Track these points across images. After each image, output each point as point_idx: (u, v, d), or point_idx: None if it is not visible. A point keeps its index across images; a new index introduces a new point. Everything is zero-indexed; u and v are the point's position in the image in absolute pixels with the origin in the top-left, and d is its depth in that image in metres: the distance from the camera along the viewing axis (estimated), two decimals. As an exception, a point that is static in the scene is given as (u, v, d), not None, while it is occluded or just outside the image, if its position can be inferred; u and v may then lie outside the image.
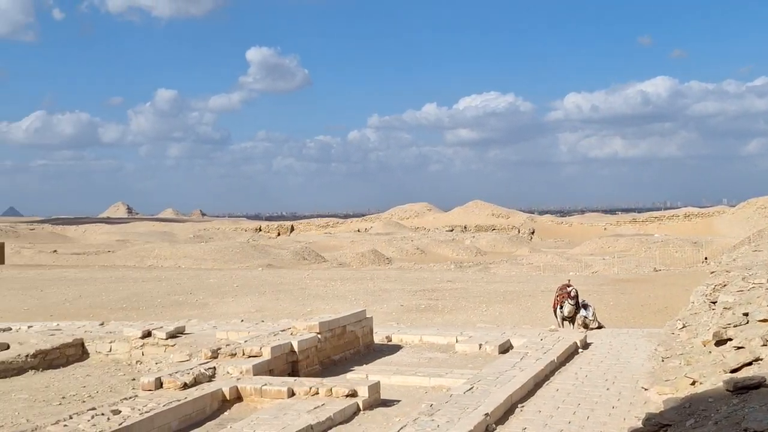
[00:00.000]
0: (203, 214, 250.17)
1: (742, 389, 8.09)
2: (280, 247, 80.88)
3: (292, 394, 12.68)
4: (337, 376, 15.05)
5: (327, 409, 11.80)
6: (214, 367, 13.88)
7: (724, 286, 16.34)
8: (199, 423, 11.95)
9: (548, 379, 14.35)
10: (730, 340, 10.87)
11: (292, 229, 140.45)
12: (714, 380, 9.82)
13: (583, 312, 22.47)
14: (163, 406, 11.45)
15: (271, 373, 14.25)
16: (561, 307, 22.57)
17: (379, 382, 13.29)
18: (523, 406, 12.36)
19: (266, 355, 14.49)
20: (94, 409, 10.99)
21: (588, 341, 18.28)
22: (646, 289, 34.03)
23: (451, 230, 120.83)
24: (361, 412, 12.35)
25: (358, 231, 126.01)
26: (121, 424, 10.35)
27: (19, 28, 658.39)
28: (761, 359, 9.43)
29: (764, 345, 9.76)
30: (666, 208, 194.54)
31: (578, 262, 61.14)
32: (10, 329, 20.49)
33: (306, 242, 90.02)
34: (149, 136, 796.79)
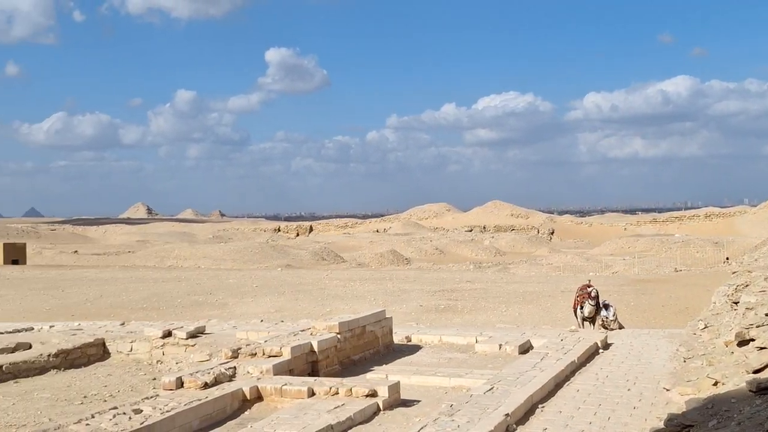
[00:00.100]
0: (222, 215, 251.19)
1: (765, 390, 8.04)
2: (299, 248, 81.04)
3: (312, 393, 12.69)
4: (356, 376, 15.05)
5: (347, 409, 11.80)
6: (235, 367, 13.91)
7: (746, 286, 16.20)
8: (220, 422, 11.99)
9: (569, 380, 14.28)
10: (753, 340, 10.78)
11: (311, 229, 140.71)
12: (737, 381, 9.76)
13: (603, 312, 22.37)
14: (184, 405, 11.49)
15: (291, 373, 14.27)
16: (581, 308, 22.50)
17: (399, 382, 13.28)
18: (543, 407, 12.31)
19: (286, 355, 14.51)
20: (115, 408, 11.05)
21: (609, 342, 18.19)
22: (667, 290, 33.82)
23: (470, 230, 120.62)
24: (381, 412, 12.34)
25: (377, 231, 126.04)
26: (142, 423, 10.40)
27: (41, 31, 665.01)
28: (785, 360, 9.36)
29: (788, 345, 9.69)
30: (687, 208, 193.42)
31: (598, 263, 60.85)
32: (32, 329, 20.66)
33: (325, 242, 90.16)
34: (169, 137, 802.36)
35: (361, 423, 11.70)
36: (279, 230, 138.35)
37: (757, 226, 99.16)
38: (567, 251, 78.53)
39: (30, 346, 18.18)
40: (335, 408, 11.81)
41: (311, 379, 13.79)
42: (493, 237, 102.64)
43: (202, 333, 18.95)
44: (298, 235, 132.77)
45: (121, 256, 78.72)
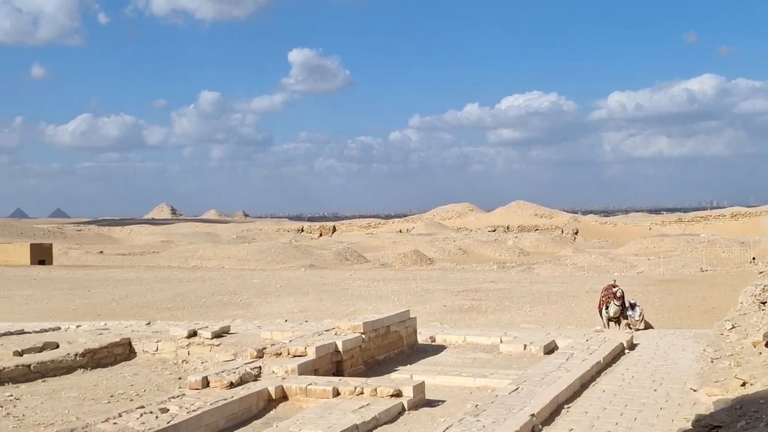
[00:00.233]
0: (246, 215, 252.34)
1: (795, 391, 7.95)
2: (323, 248, 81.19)
3: (337, 393, 12.71)
4: (381, 376, 15.06)
5: (372, 408, 11.81)
6: (260, 367, 13.96)
7: (774, 286, 16.06)
8: (246, 422, 12.03)
9: (594, 380, 14.22)
10: (782, 340, 10.69)
11: (334, 229, 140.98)
12: (765, 381, 9.67)
13: (630, 312, 22.25)
14: (210, 404, 11.54)
15: (315, 372, 14.30)
16: (606, 308, 22.38)
17: (423, 382, 13.27)
18: (569, 407, 12.26)
19: (311, 354, 14.54)
20: (142, 407, 11.12)
21: (634, 342, 18.09)
22: (693, 290, 33.56)
23: (494, 231, 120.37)
24: (406, 412, 12.33)
25: (400, 231, 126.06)
26: (169, 422, 10.46)
27: (66, 33, 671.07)
28: (815, 360, 9.27)
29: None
30: (712, 208, 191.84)
31: (623, 263, 60.51)
32: (59, 328, 20.84)
33: (348, 243, 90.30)
34: (192, 138, 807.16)
35: (386, 423, 11.71)
36: (302, 230, 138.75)
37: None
38: (591, 251, 78.17)
39: (57, 346, 18.35)
40: (360, 408, 11.82)
41: (336, 378, 13.81)
42: (516, 237, 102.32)
43: (227, 333, 19.05)
44: (321, 235, 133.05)
45: (146, 257, 79.26)
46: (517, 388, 12.70)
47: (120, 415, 10.66)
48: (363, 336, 16.15)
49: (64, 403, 14.24)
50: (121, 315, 29.19)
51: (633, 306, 22.37)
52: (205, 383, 12.84)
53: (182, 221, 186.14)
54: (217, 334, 18.55)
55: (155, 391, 15.29)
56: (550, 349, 17.69)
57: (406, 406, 12.39)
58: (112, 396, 14.88)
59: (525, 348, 17.67)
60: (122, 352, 18.61)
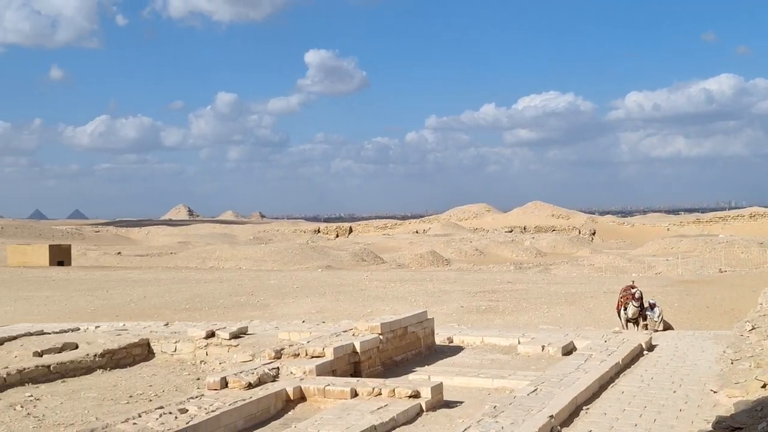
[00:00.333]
0: (262, 216, 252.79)
1: (817, 392, 7.89)
2: (339, 249, 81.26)
3: (355, 394, 12.71)
4: (399, 377, 15.05)
5: (390, 409, 11.80)
6: (278, 368, 13.98)
7: (795, 287, 15.94)
8: (264, 422, 12.05)
9: (613, 382, 14.15)
10: (803, 342, 10.60)
11: (351, 230, 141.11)
12: (787, 383, 9.60)
13: (649, 312, 22.13)
14: (229, 405, 11.57)
15: (333, 373, 14.30)
16: (625, 309, 22.27)
17: (441, 383, 13.24)
18: (588, 409, 12.21)
19: (329, 355, 14.55)
20: (161, 407, 11.16)
21: (653, 343, 17.99)
22: (712, 291, 33.39)
23: (510, 231, 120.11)
24: (424, 413, 12.32)
25: (417, 232, 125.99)
26: (188, 422, 10.50)
27: (85, 35, 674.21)
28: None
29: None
30: (731, 208, 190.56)
31: (641, 263, 60.24)
32: (79, 329, 20.96)
33: (364, 243, 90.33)
34: (209, 140, 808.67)
35: (404, 424, 11.70)
36: (319, 231, 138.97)
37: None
38: (609, 252, 77.86)
39: (76, 346, 18.46)
40: (378, 409, 11.81)
41: (354, 379, 13.81)
42: (533, 238, 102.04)
43: (244, 333, 19.10)
44: (337, 236, 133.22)
45: (164, 258, 79.59)
46: (536, 390, 12.65)
47: (139, 416, 10.71)
48: (380, 337, 16.15)
49: (83, 404, 14.32)
50: (140, 316, 29.34)
51: (652, 306, 22.26)
52: (224, 384, 12.87)
53: (199, 222, 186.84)
54: (235, 335, 18.61)
55: (174, 392, 15.35)
56: (569, 350, 17.62)
57: (424, 407, 12.38)
58: (131, 396, 14.96)
59: (543, 349, 17.61)
60: (141, 352, 18.71)
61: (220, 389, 12.74)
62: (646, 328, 21.78)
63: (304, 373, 13.79)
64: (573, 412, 11.91)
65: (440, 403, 12.80)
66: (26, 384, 15.66)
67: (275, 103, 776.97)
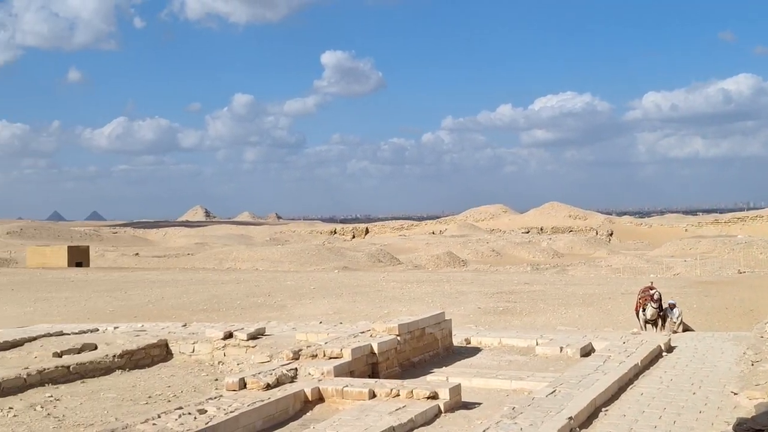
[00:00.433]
0: (279, 217, 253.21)
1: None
2: (356, 250, 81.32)
3: (373, 395, 12.70)
4: (416, 378, 15.03)
5: (408, 411, 11.79)
6: (296, 368, 14.01)
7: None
8: (283, 423, 12.07)
9: (632, 383, 14.08)
10: (825, 343, 10.52)
11: (367, 231, 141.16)
12: (809, 385, 9.52)
13: (670, 312, 22.02)
14: (248, 406, 11.60)
15: (351, 374, 14.31)
16: (643, 310, 22.19)
17: (459, 384, 13.23)
18: (607, 410, 12.15)
19: (347, 356, 14.56)
20: (180, 408, 11.21)
21: (672, 345, 17.90)
22: (731, 292, 33.18)
23: (527, 232, 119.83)
24: (443, 414, 12.30)
25: (433, 233, 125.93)
26: (207, 423, 10.53)
27: (102, 37, 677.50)
28: None
29: None
30: (749, 209, 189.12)
31: (659, 264, 59.96)
32: (98, 330, 21.08)
33: (381, 244, 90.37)
34: (226, 141, 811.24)
35: (422, 425, 11.68)
36: (335, 232, 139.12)
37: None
38: (626, 253, 77.53)
39: (96, 347, 18.57)
40: (396, 410, 11.81)
41: (372, 380, 13.80)
42: (550, 238, 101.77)
43: (262, 334, 19.15)
44: (354, 237, 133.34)
45: (181, 259, 79.90)
46: (554, 391, 12.61)
47: (159, 416, 10.75)
48: (398, 338, 16.14)
49: (103, 404, 14.40)
50: (158, 316, 29.47)
51: (672, 307, 22.14)
52: (242, 384, 12.90)
53: (216, 223, 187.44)
54: (253, 336, 18.66)
55: (192, 392, 15.41)
56: (587, 351, 17.56)
57: (442, 409, 12.36)
58: (150, 397, 15.03)
59: (561, 350, 17.55)
60: (159, 353, 18.79)
61: (239, 390, 12.77)
62: (664, 328, 21.69)
63: (322, 374, 13.80)
64: (592, 414, 11.86)
65: (458, 404, 12.78)
66: (46, 384, 15.76)
67: (291, 105, 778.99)
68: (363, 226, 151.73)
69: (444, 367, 16.38)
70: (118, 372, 17.28)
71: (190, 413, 10.95)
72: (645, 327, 22.10)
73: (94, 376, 16.74)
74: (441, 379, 14.51)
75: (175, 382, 16.53)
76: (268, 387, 12.83)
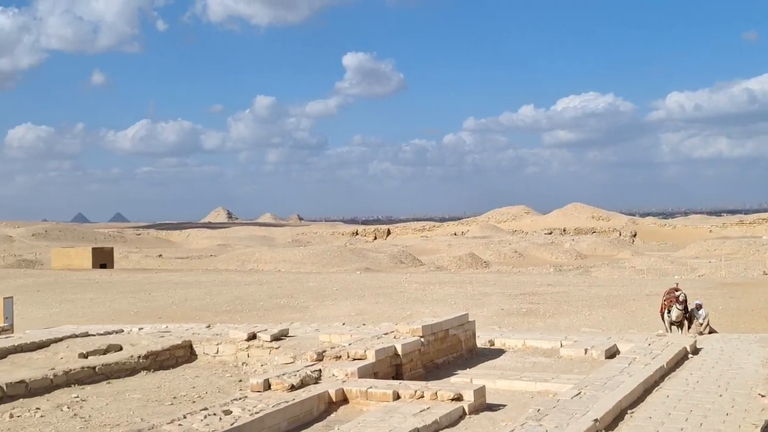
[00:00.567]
0: (301, 219, 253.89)
1: None
2: (378, 251, 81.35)
3: (397, 397, 12.68)
4: (440, 379, 14.99)
5: (433, 412, 11.76)
6: (320, 370, 14.01)
7: None
8: (307, 424, 12.08)
9: (658, 385, 13.97)
10: None
11: (389, 232, 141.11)
12: (839, 388, 9.42)
13: (696, 312, 21.83)
14: (272, 407, 11.62)
15: (375, 375, 14.30)
16: (669, 312, 22.01)
17: (484, 386, 13.17)
18: (632, 412, 12.07)
19: (370, 358, 14.55)
20: (206, 409, 11.24)
21: (698, 347, 17.75)
22: (756, 293, 32.88)
23: (550, 233, 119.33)
24: (467, 416, 12.25)
25: (455, 234, 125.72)
26: (232, 424, 10.55)
27: (126, 40, 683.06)
28: None
29: None
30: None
31: (683, 266, 59.55)
32: (122, 331, 21.21)
33: (403, 246, 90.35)
34: (248, 143, 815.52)
35: (447, 427, 11.65)
36: (357, 234, 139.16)
37: None
38: (650, 254, 77.05)
39: (121, 348, 18.69)
40: (421, 411, 11.78)
41: (396, 382, 13.78)
42: (573, 240, 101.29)
43: (285, 336, 19.19)
44: (375, 238, 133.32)
45: (204, 260, 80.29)
46: (579, 393, 12.54)
47: (185, 417, 10.79)
48: (422, 339, 16.11)
49: (128, 405, 14.48)
50: (181, 318, 29.63)
51: (699, 307, 21.95)
52: (267, 386, 12.92)
53: (238, 225, 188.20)
54: (276, 337, 18.70)
55: (216, 393, 15.46)
56: (612, 353, 17.45)
57: (466, 410, 12.32)
58: (174, 398, 15.09)
59: (586, 352, 17.45)
60: (183, 354, 18.87)
61: (263, 391, 12.79)
62: (690, 330, 21.52)
63: (346, 375, 13.80)
64: (618, 416, 11.79)
65: (483, 406, 12.73)
66: (72, 385, 15.87)
67: (313, 106, 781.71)
68: (384, 227, 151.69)
69: (468, 369, 16.34)
70: (143, 373, 17.37)
71: (215, 414, 10.99)
72: (670, 329, 21.93)
73: (119, 377, 16.84)
74: (465, 381, 14.46)
75: (200, 383, 16.60)
76: (293, 388, 12.84)
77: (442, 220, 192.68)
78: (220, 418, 10.79)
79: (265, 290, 40.14)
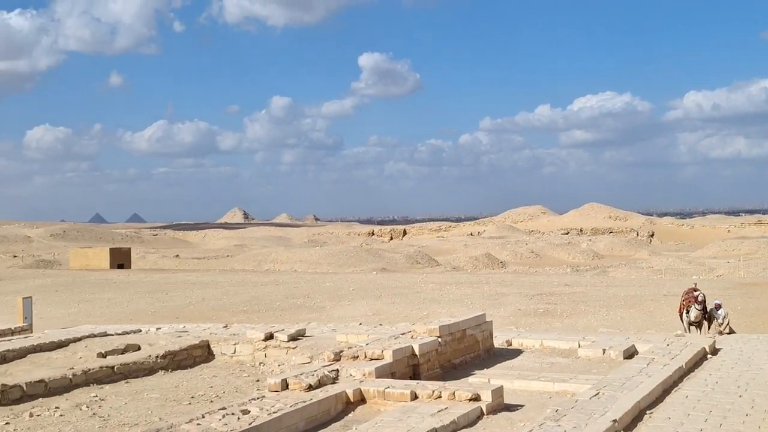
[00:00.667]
0: (317, 219, 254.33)
1: None
2: (394, 251, 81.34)
3: (415, 397, 12.68)
4: (458, 380, 14.96)
5: (451, 412, 11.74)
6: (337, 370, 14.03)
7: None
8: (325, 424, 12.09)
9: (677, 386, 13.90)
10: None
11: (405, 233, 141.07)
12: None
13: (716, 312, 21.70)
14: (290, 406, 11.63)
15: (392, 375, 14.29)
16: (687, 312, 21.89)
17: (502, 386, 13.13)
18: (651, 413, 12.01)
19: (388, 358, 14.55)
20: (224, 408, 11.28)
21: (717, 347, 17.65)
22: (776, 294, 32.65)
23: (567, 233, 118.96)
24: (485, 416, 12.22)
25: (471, 234, 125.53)
26: (251, 423, 10.58)
27: (143, 41, 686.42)
28: None
29: None
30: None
31: (701, 266, 59.22)
32: (140, 331, 21.31)
33: (419, 246, 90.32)
34: (264, 143, 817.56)
35: (465, 427, 11.63)
36: (373, 234, 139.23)
37: None
38: (668, 254, 76.69)
39: (139, 348, 18.78)
40: (439, 411, 11.77)
41: (414, 382, 13.77)
42: (590, 240, 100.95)
43: (302, 336, 19.22)
44: (391, 238, 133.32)
45: (221, 260, 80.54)
46: (598, 393, 12.49)
47: (203, 416, 10.83)
48: (439, 340, 16.10)
49: (147, 404, 14.54)
50: (199, 318, 29.72)
51: (718, 307, 21.81)
52: (284, 385, 12.95)
53: (254, 225, 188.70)
54: (293, 337, 18.73)
55: (234, 393, 15.51)
56: (630, 353, 17.36)
57: (484, 410, 12.29)
58: (192, 397, 15.15)
59: (604, 353, 17.38)
60: (201, 354, 18.93)
61: (281, 391, 12.81)
62: (709, 331, 21.40)
63: (364, 375, 13.80)
64: (636, 417, 11.73)
65: (501, 406, 12.71)
66: (91, 384, 15.96)
67: (329, 107, 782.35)
68: (401, 227, 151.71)
69: (485, 369, 16.31)
70: (161, 372, 17.44)
71: (233, 413, 11.02)
72: (689, 329, 21.82)
73: (137, 377, 16.92)
74: (483, 381, 14.43)
75: (217, 382, 16.65)
76: (310, 388, 12.86)
77: (458, 220, 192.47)
78: (238, 418, 10.82)
79: (282, 290, 40.22)
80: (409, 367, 15.12)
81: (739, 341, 18.95)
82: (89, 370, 16.30)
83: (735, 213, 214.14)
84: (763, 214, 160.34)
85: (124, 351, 18.42)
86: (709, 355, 16.86)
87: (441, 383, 13.42)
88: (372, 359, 14.66)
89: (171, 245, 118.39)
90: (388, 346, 15.11)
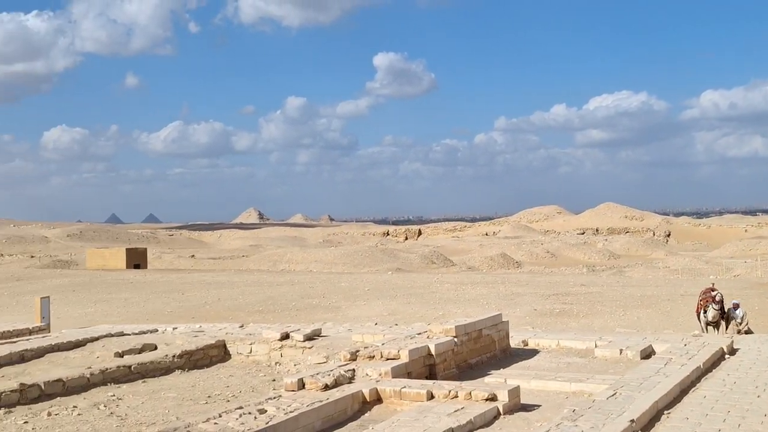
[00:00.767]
0: (332, 219, 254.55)
1: None
2: (409, 251, 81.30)
3: (431, 396, 12.67)
4: (474, 379, 14.93)
5: (467, 412, 11.72)
6: (353, 369, 14.03)
7: None
8: (341, 424, 12.09)
9: (694, 386, 13.81)
10: None
11: (420, 233, 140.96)
12: None
13: (734, 312, 21.57)
14: (307, 406, 11.65)
15: (409, 375, 14.29)
16: (705, 312, 21.78)
17: (518, 386, 13.11)
18: (669, 413, 11.95)
19: (404, 357, 14.54)
20: (241, 408, 11.30)
21: (735, 347, 17.53)
22: (794, 294, 32.41)
23: (583, 233, 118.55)
24: (502, 416, 12.19)
25: (486, 234, 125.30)
26: (267, 423, 10.60)
27: (159, 42, 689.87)
28: None
29: None
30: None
31: (718, 266, 58.87)
32: (157, 331, 21.41)
33: (434, 246, 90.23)
34: (279, 144, 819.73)
35: (481, 427, 11.60)
36: (388, 234, 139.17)
37: None
38: (685, 254, 76.31)
39: (156, 347, 18.86)
40: (455, 411, 11.75)
41: (430, 382, 13.76)
42: (606, 240, 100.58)
43: (318, 336, 19.25)
44: (406, 238, 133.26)
45: (236, 260, 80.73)
46: (615, 393, 12.43)
47: (220, 416, 10.85)
48: (455, 339, 16.07)
49: (164, 403, 14.60)
50: (215, 317, 29.80)
51: (736, 307, 21.67)
52: (301, 385, 12.96)
53: (270, 226, 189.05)
54: (309, 337, 18.76)
55: (250, 392, 15.55)
56: (647, 353, 17.27)
57: (501, 410, 12.26)
58: (209, 397, 15.20)
59: (621, 353, 17.29)
60: (217, 353, 18.99)
61: (297, 390, 12.83)
62: (727, 330, 21.27)
63: (380, 375, 13.80)
64: (654, 417, 11.67)
65: (517, 406, 12.67)
66: (108, 384, 16.04)
67: (344, 107, 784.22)
68: (416, 227, 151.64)
69: (501, 369, 16.26)
70: (177, 372, 17.50)
71: (250, 413, 11.04)
72: (706, 329, 21.70)
73: (154, 376, 16.99)
74: (499, 381, 14.39)
75: (234, 382, 16.70)
76: (327, 388, 12.86)
77: (474, 220, 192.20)
78: (255, 417, 10.84)
79: (297, 290, 40.27)
80: (425, 367, 15.11)
81: (757, 341, 18.81)
82: (107, 369, 16.38)
83: (752, 212, 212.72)
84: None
85: (141, 351, 18.51)
86: (726, 355, 16.75)
87: (457, 383, 13.40)
88: (388, 359, 14.65)
89: (187, 245, 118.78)
90: (404, 345, 15.11)
